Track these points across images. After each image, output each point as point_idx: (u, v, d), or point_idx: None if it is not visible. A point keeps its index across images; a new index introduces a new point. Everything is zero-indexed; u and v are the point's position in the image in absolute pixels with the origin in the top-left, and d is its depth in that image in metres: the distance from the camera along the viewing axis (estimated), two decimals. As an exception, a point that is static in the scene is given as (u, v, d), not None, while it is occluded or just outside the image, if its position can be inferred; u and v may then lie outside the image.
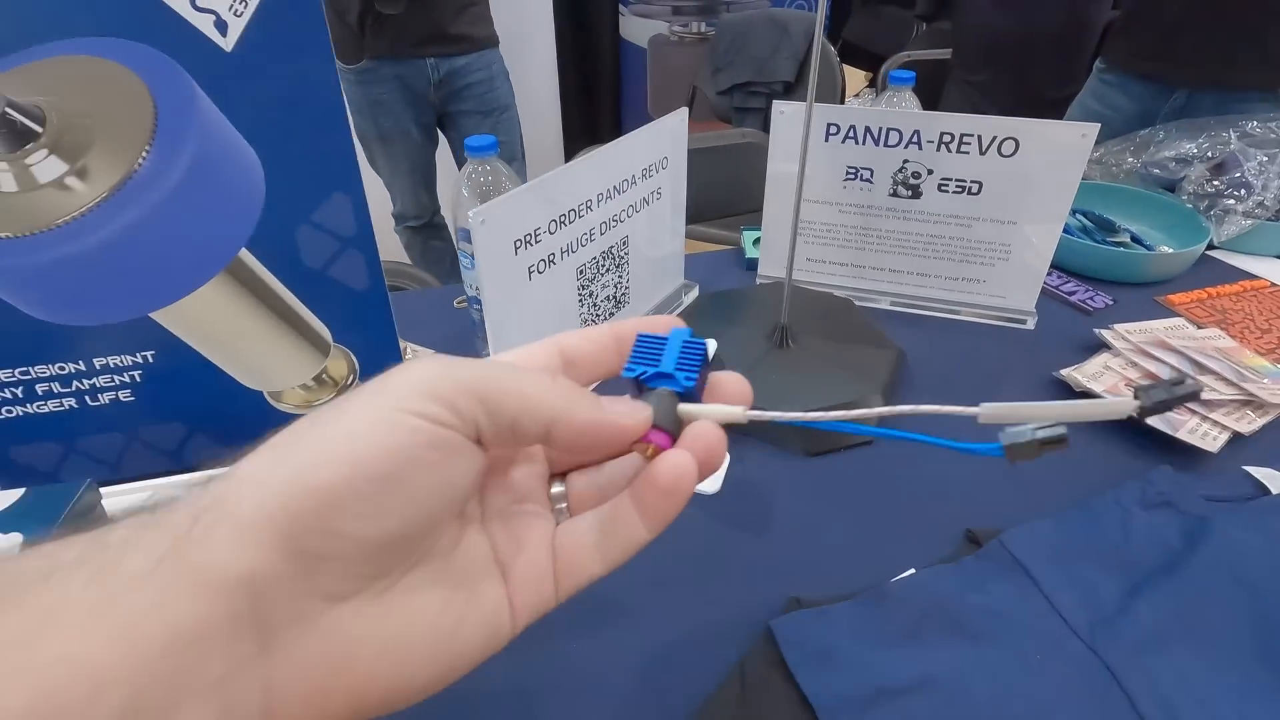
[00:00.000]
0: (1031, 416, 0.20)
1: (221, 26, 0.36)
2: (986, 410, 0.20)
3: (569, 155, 2.38)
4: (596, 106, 2.54)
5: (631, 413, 0.21)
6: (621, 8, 2.43)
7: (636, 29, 2.41)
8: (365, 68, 1.39)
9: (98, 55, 0.36)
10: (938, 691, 0.36)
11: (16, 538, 0.36)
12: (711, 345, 0.44)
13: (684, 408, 0.22)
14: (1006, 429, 0.20)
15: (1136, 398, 0.19)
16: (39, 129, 0.36)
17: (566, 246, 0.54)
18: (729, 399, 0.22)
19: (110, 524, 0.17)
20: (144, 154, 0.38)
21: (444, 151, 1.57)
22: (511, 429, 0.19)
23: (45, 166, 0.37)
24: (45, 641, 0.14)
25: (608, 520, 0.22)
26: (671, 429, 0.21)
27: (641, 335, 0.23)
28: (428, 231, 1.62)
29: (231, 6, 0.36)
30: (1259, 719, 0.35)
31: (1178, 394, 0.19)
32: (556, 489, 0.23)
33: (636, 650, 0.39)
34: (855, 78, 2.50)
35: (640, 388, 0.22)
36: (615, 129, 2.62)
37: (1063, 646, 0.39)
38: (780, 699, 0.36)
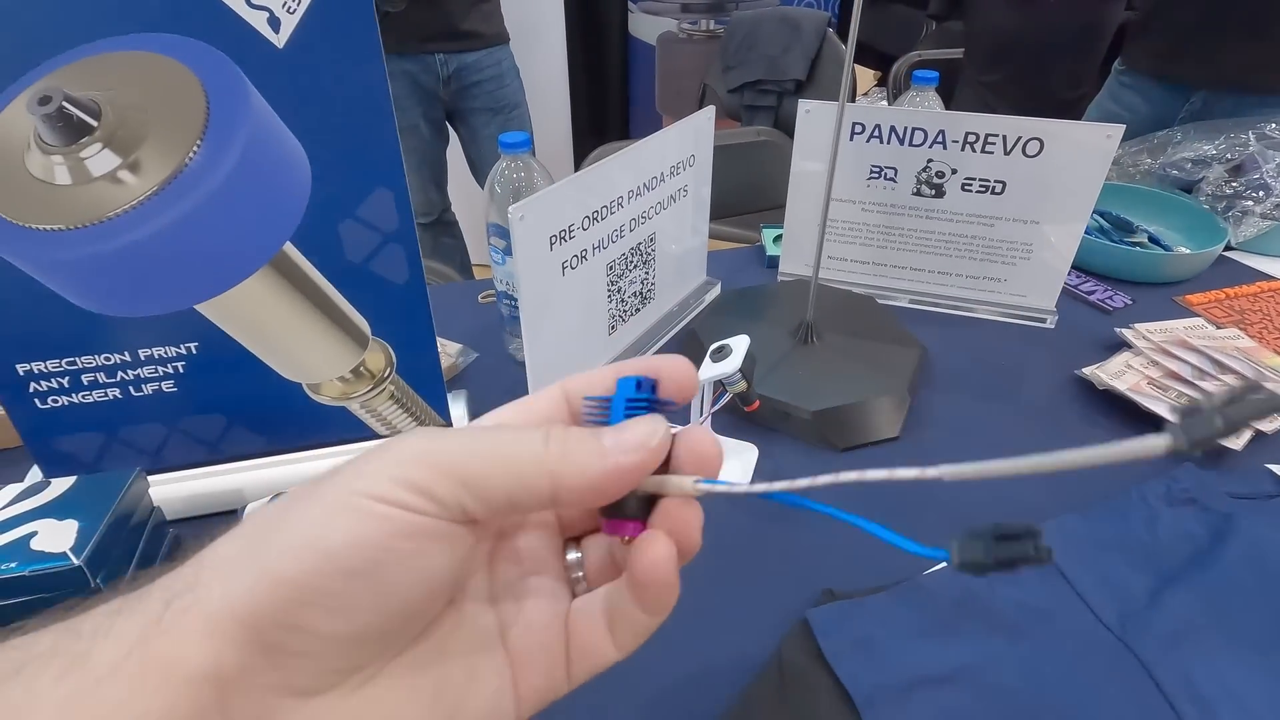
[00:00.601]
0: (996, 474, 0.16)
1: (274, 23, 0.37)
2: (948, 471, 0.16)
3: (577, 152, 2.38)
4: (605, 103, 2.54)
5: (640, 444, 0.18)
6: (631, 5, 2.43)
7: (645, 26, 2.41)
8: None
9: (153, 51, 0.37)
10: (973, 682, 0.37)
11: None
12: (744, 341, 0.44)
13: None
14: (959, 542, 0.16)
15: (1178, 424, 0.14)
16: (94, 123, 0.37)
17: (598, 243, 0.54)
18: (695, 453, 0.20)
19: (86, 608, 0.17)
20: (195, 149, 0.38)
21: (455, 149, 1.57)
22: (508, 505, 0.18)
23: (99, 160, 0.37)
24: None
25: (615, 606, 0.20)
26: (635, 512, 0.19)
27: (587, 400, 0.20)
28: (438, 229, 1.62)
29: (285, 4, 0.37)
30: (1289, 710, 0.36)
31: (1233, 416, 0.13)
32: (572, 556, 0.21)
33: (677, 640, 0.40)
34: (864, 76, 2.51)
35: None
36: (623, 126, 2.62)
37: (1094, 639, 0.40)
38: (818, 688, 0.37)
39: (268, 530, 0.17)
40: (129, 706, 0.15)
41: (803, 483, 0.18)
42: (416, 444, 0.17)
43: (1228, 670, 0.38)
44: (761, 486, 0.19)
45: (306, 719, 0.17)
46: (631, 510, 0.19)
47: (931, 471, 0.16)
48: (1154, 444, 0.14)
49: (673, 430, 0.20)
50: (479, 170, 1.57)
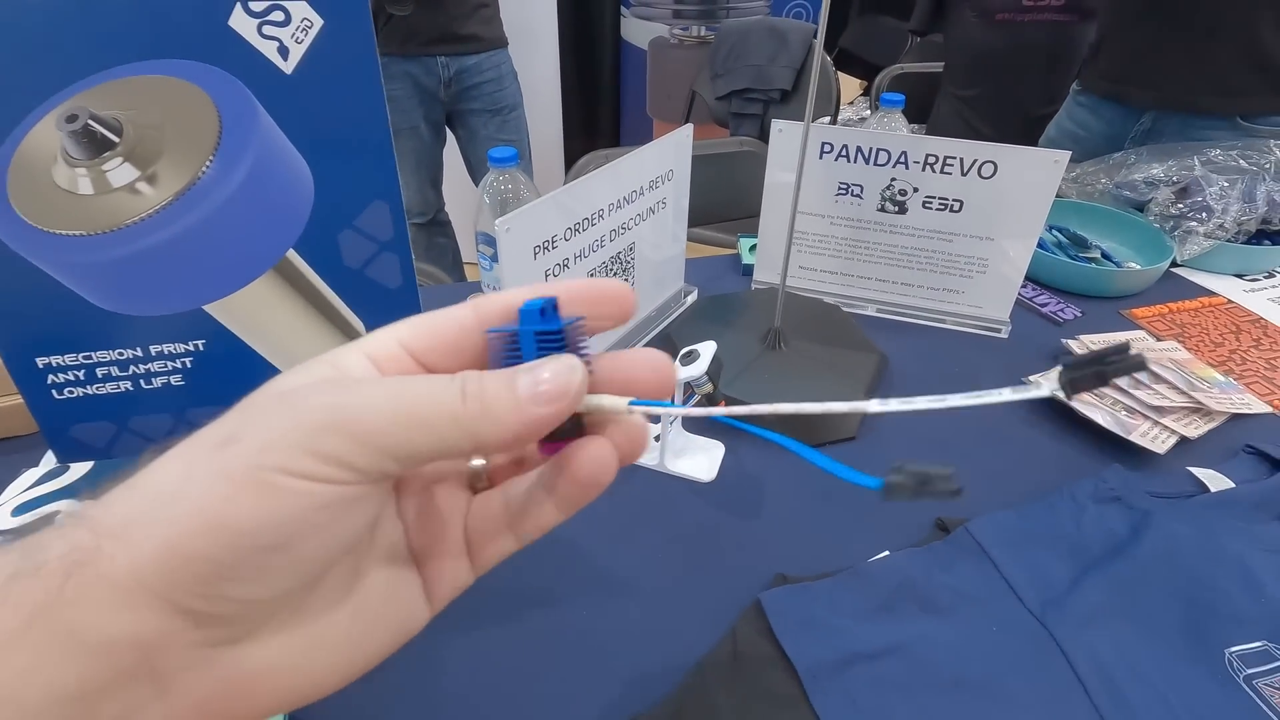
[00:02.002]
0: (922, 408, 0.18)
1: (283, 51, 0.41)
2: (877, 406, 0.18)
3: (569, 154, 2.41)
4: (597, 106, 2.58)
5: (558, 393, 0.18)
6: (623, 10, 2.47)
7: (637, 31, 2.45)
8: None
9: (172, 75, 0.40)
10: (905, 657, 0.42)
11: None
12: (711, 346, 0.46)
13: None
14: (896, 467, 0.18)
15: (1061, 376, 0.17)
16: (116, 139, 0.40)
17: (580, 252, 0.58)
18: (645, 375, 0.20)
19: None
20: (207, 163, 0.42)
21: (452, 150, 1.61)
22: (428, 462, 0.18)
23: (119, 172, 0.41)
24: None
25: (518, 502, 0.21)
26: (570, 432, 0.20)
27: (490, 332, 0.20)
28: (432, 229, 1.65)
29: (293, 35, 0.40)
30: (1184, 683, 0.40)
31: (1110, 368, 0.17)
32: (476, 462, 0.22)
33: (638, 619, 0.44)
34: (850, 85, 2.56)
35: None
36: (614, 129, 2.66)
37: (1017, 621, 0.44)
38: (767, 661, 0.41)
39: (169, 499, 0.16)
40: (40, 673, 0.15)
41: (741, 410, 0.19)
42: (322, 402, 0.17)
43: (1131, 648, 0.42)
44: (697, 411, 0.20)
45: (232, 659, 0.17)
46: (567, 432, 0.19)
47: (869, 406, 0.18)
48: (1038, 390, 0.18)
49: (590, 358, 0.19)
50: (476, 171, 1.60)
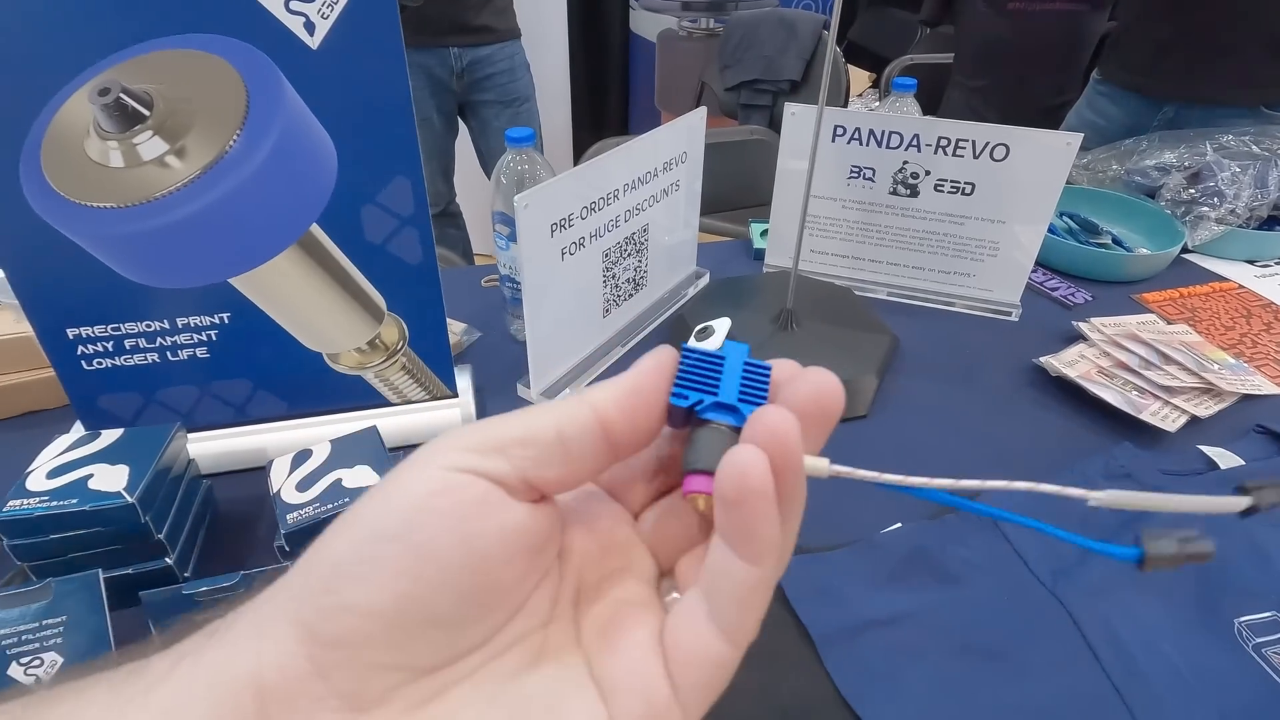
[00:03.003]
0: (1144, 506, 0.18)
1: (310, 27, 0.41)
2: (1102, 497, 0.18)
3: (577, 145, 2.42)
4: (605, 98, 2.58)
5: (651, 356, 0.18)
6: (632, 2, 2.47)
7: (646, 23, 2.45)
8: None
9: (202, 50, 0.41)
10: (917, 624, 0.42)
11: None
12: (725, 324, 0.46)
13: None
14: (1149, 538, 0.17)
15: (1248, 495, 0.17)
16: (147, 113, 0.41)
17: (595, 231, 0.59)
18: (810, 393, 0.17)
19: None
20: (234, 138, 0.43)
21: (464, 141, 1.61)
22: (556, 443, 0.17)
23: (149, 146, 0.42)
24: None
25: (709, 578, 0.17)
26: (712, 467, 0.17)
27: (688, 349, 0.19)
28: (443, 220, 1.66)
29: (320, 10, 0.41)
30: (1194, 651, 0.41)
31: None
32: (670, 595, 0.19)
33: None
34: (859, 77, 2.55)
35: (688, 420, 0.18)
36: (623, 121, 2.66)
37: (1028, 591, 0.45)
38: (782, 628, 0.42)
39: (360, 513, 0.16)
40: (172, 714, 0.15)
41: (963, 484, 0.18)
42: (457, 429, 0.17)
43: (1142, 619, 0.43)
44: (896, 479, 0.18)
45: None
46: (698, 458, 0.17)
47: (1087, 494, 0.18)
48: (1234, 503, 0.17)
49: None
50: (487, 162, 1.61)
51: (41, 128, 0.41)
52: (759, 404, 0.18)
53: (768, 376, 0.18)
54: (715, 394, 0.18)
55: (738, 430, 0.17)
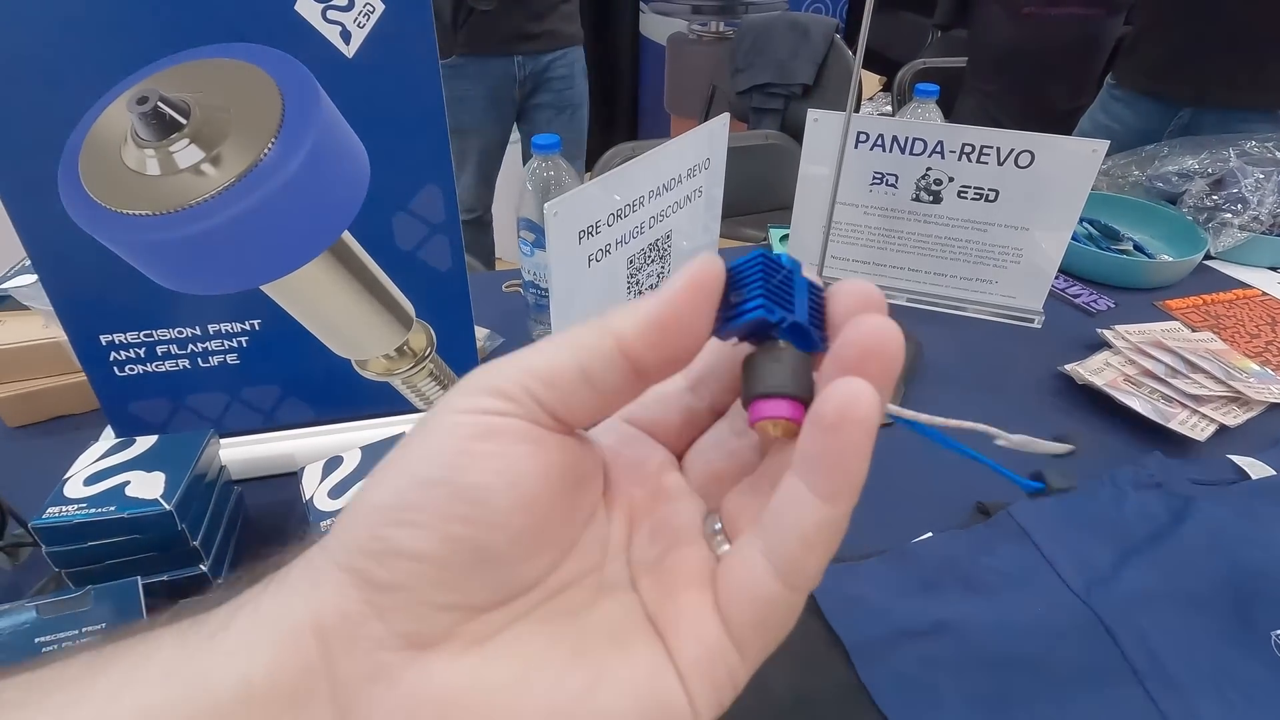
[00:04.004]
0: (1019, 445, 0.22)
1: (346, 36, 0.42)
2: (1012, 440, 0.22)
3: (588, 149, 2.42)
4: (615, 102, 2.59)
5: (692, 266, 0.16)
6: (642, 5, 2.47)
7: (656, 26, 2.45)
8: (453, 64, 1.38)
9: (238, 58, 0.41)
10: (952, 635, 0.42)
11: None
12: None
13: None
14: (1048, 475, 0.19)
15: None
16: (184, 121, 0.41)
17: (620, 238, 0.59)
18: (854, 300, 0.16)
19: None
20: (269, 146, 0.43)
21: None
22: (581, 380, 0.16)
23: (185, 154, 0.42)
24: (127, 693, 0.15)
25: (773, 515, 0.16)
26: (799, 391, 0.16)
27: (744, 263, 0.17)
28: (476, 227, 1.61)
29: (356, 19, 0.41)
30: (1231, 665, 0.41)
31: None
32: (715, 527, 0.18)
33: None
34: (870, 81, 2.55)
35: (755, 340, 0.17)
36: (632, 125, 2.66)
37: (1061, 602, 0.44)
38: (815, 638, 0.42)
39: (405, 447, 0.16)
40: (234, 661, 0.15)
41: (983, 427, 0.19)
42: (498, 361, 0.17)
43: (1178, 631, 0.42)
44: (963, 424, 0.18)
45: (420, 675, 0.15)
46: (782, 381, 0.16)
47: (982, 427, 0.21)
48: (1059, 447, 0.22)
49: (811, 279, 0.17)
50: None
51: (80, 136, 0.41)
52: (822, 331, 0.16)
53: (822, 300, 0.17)
54: (792, 312, 0.16)
55: (807, 355, 0.16)
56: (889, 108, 2.08)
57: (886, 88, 2.39)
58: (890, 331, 0.15)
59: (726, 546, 0.17)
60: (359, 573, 0.15)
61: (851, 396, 0.14)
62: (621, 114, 2.63)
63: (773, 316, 0.16)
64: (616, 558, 0.18)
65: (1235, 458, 0.55)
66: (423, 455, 0.16)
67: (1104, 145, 0.64)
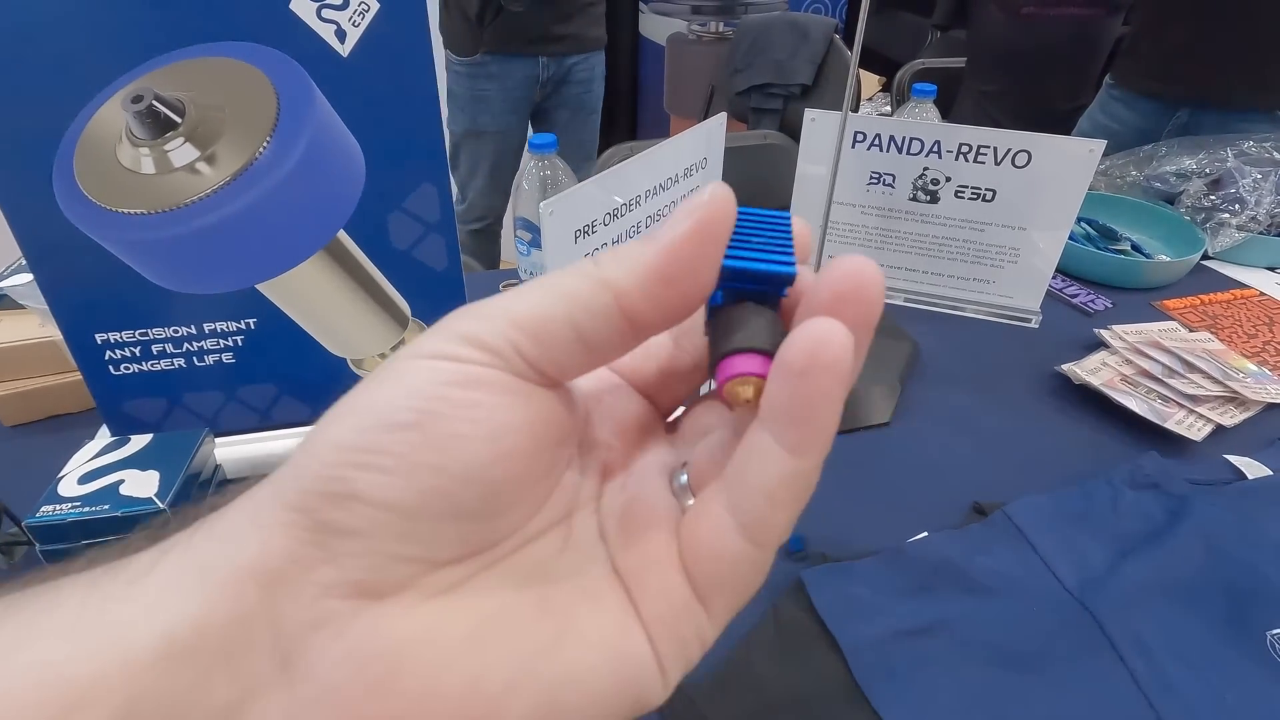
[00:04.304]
0: None
1: (341, 35, 0.42)
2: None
3: (586, 149, 2.42)
4: (614, 102, 2.58)
5: (695, 204, 0.14)
6: (641, 5, 2.47)
7: (656, 26, 2.45)
8: (477, 61, 1.37)
9: (233, 57, 0.41)
10: (947, 634, 0.42)
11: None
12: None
13: None
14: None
15: None
16: (178, 120, 0.41)
17: (617, 237, 0.59)
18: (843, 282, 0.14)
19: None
20: (264, 145, 0.43)
21: None
22: (572, 336, 0.15)
23: (180, 153, 0.42)
24: (24, 648, 0.13)
25: (737, 468, 0.15)
26: (770, 345, 0.14)
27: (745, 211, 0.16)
28: (486, 237, 1.58)
29: (351, 19, 0.41)
30: (1226, 664, 0.41)
31: None
32: (682, 480, 0.17)
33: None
34: (870, 81, 2.55)
35: (738, 294, 0.15)
36: (631, 125, 2.66)
37: (1056, 601, 0.44)
38: (810, 637, 0.42)
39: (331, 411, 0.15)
40: (155, 614, 0.13)
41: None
42: (479, 303, 0.15)
43: (1173, 630, 0.42)
44: None
45: (371, 624, 0.14)
46: (752, 336, 0.14)
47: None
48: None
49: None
50: None
51: (75, 134, 0.41)
52: (791, 264, 0.15)
53: (789, 230, 0.15)
54: (755, 256, 0.15)
55: (773, 305, 0.15)
56: (888, 108, 2.08)
57: (886, 88, 2.39)
58: (869, 272, 0.14)
59: (691, 500, 0.16)
60: (312, 513, 0.14)
61: (821, 338, 0.13)
62: (621, 114, 2.63)
63: (790, 271, 0.15)
64: (586, 508, 0.17)
65: (1232, 457, 0.55)
66: (392, 396, 0.14)
67: (1100, 145, 0.64)
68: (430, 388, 0.14)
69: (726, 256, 0.15)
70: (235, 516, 0.14)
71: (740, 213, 0.15)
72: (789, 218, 0.16)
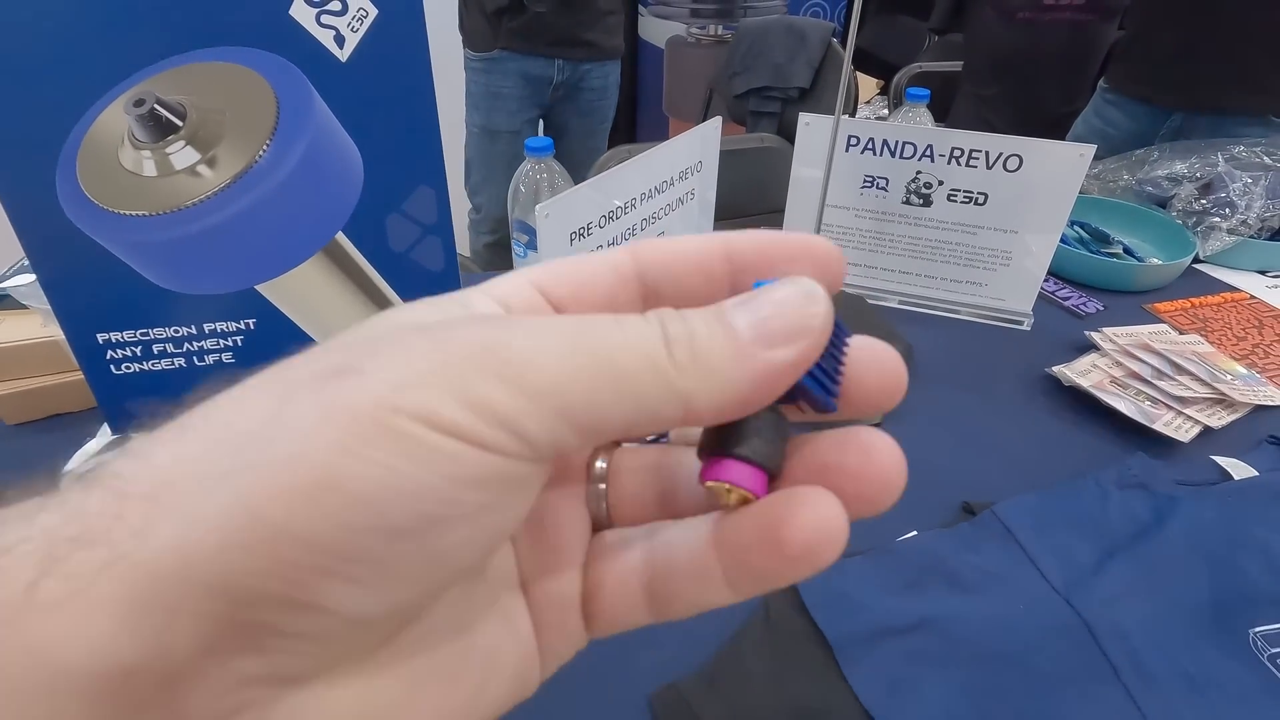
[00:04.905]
0: None
1: (339, 40, 0.42)
2: None
3: (585, 151, 2.42)
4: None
5: (797, 328, 0.13)
6: (640, 8, 2.48)
7: (654, 29, 2.46)
8: (493, 58, 1.38)
9: (234, 62, 0.42)
10: (934, 631, 0.43)
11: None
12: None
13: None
14: None
15: None
16: (180, 123, 0.42)
17: (612, 240, 0.60)
18: (872, 378, 0.14)
19: None
20: (264, 148, 0.43)
21: None
22: (620, 436, 0.13)
23: (181, 155, 0.43)
24: None
25: (668, 565, 0.14)
26: (771, 464, 0.14)
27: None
28: (498, 250, 1.55)
29: (349, 24, 0.42)
30: (1208, 660, 0.41)
31: None
32: (599, 465, 0.16)
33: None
34: (867, 84, 2.56)
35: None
36: (630, 127, 2.67)
37: (1043, 599, 0.45)
38: (799, 634, 0.43)
39: (245, 443, 0.11)
40: None
41: None
42: (478, 338, 0.12)
43: (1157, 627, 0.43)
44: None
45: (298, 712, 0.12)
46: (755, 448, 0.13)
47: None
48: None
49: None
50: None
51: (78, 137, 0.41)
52: (834, 383, 0.14)
53: (844, 340, 0.14)
54: (836, 390, 0.14)
55: (784, 421, 0.14)
56: (885, 111, 2.09)
57: (884, 91, 2.40)
58: (897, 469, 0.14)
59: (603, 487, 0.16)
60: (249, 609, 0.10)
61: (828, 538, 0.13)
62: (620, 116, 2.64)
63: (832, 406, 0.14)
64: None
65: (1218, 459, 0.56)
66: (384, 484, 0.11)
67: (1090, 150, 0.64)
68: (444, 487, 0.11)
69: (831, 391, 0.14)
70: (101, 592, 0.10)
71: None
72: (847, 332, 0.15)
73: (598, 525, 0.16)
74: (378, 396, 0.11)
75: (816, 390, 0.13)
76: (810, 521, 0.13)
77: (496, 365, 0.11)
